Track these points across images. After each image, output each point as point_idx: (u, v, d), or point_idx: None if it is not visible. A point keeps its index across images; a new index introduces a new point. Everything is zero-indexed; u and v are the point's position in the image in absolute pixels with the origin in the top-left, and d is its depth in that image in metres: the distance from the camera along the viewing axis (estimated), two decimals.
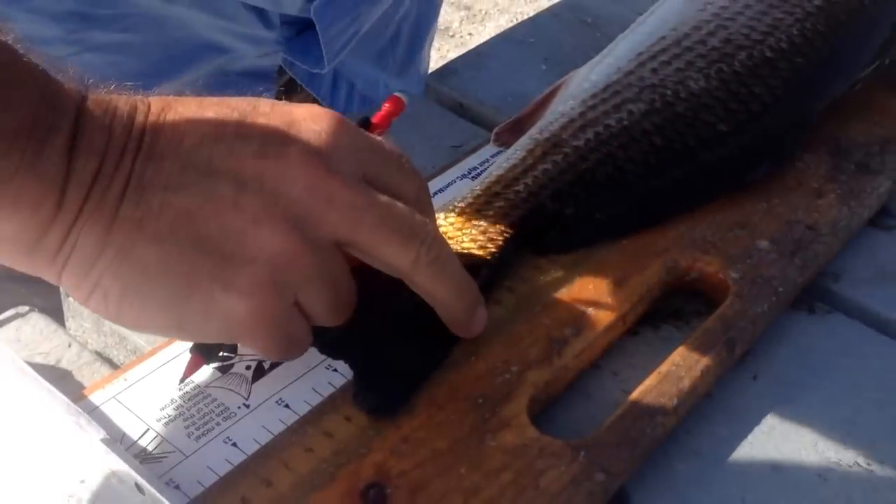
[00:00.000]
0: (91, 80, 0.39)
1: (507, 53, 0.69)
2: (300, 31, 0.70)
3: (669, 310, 0.52)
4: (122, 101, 0.39)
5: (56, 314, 0.53)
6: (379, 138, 0.43)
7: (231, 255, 0.38)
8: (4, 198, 0.36)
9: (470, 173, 0.56)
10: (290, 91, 0.72)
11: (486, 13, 2.65)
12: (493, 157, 0.56)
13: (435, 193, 0.54)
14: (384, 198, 0.41)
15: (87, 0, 0.61)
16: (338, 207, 0.39)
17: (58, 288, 0.46)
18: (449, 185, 0.55)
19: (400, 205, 0.41)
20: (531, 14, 0.78)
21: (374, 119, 0.51)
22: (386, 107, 0.51)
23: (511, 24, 0.76)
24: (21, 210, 0.37)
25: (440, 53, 2.46)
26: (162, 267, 0.38)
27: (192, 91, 0.41)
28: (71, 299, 0.53)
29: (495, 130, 0.58)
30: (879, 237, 0.57)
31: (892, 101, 0.63)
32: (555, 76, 0.61)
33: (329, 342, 0.44)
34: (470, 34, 2.54)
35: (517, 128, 0.56)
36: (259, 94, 0.43)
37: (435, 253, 0.41)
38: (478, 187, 0.51)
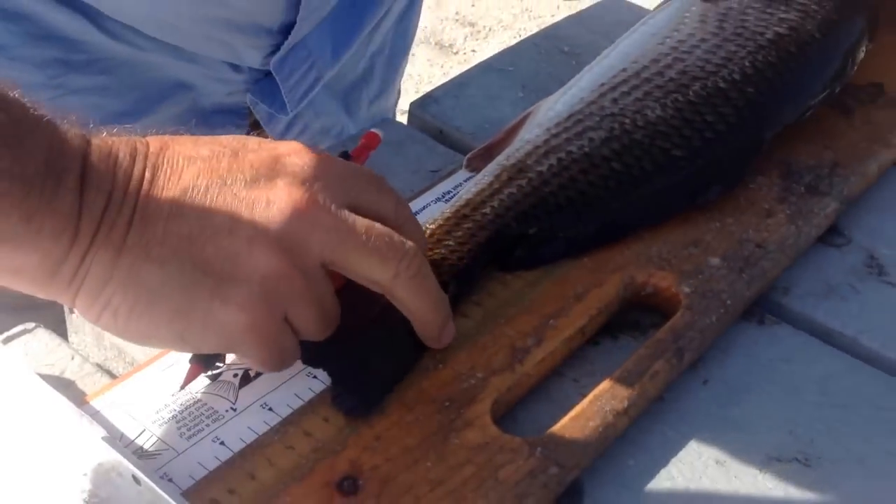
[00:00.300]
0: (92, 125, 0.44)
1: (487, 81, 0.74)
2: (267, 73, 0.75)
3: (628, 322, 0.56)
4: (123, 142, 0.44)
5: (60, 330, 0.57)
6: (359, 166, 0.48)
7: (228, 274, 0.43)
8: (28, 233, 0.41)
9: (444, 196, 0.60)
10: (258, 126, 0.77)
11: (490, 30, 2.70)
12: (465, 181, 0.61)
13: (417, 213, 0.59)
14: (365, 220, 0.45)
15: (66, 48, 0.66)
16: (322, 231, 0.44)
17: (61, 306, 0.51)
18: (424, 208, 0.59)
19: (380, 226, 0.46)
20: (535, 31, 0.82)
21: (353, 153, 0.56)
22: (363, 142, 0.56)
23: (516, 41, 0.81)
24: (43, 242, 0.42)
25: (443, 70, 2.51)
26: (166, 286, 0.43)
27: (175, 127, 0.46)
28: (73, 316, 0.58)
29: (467, 157, 0.62)
30: (828, 254, 0.61)
31: (842, 126, 0.67)
32: (531, 103, 0.65)
33: (312, 354, 0.48)
34: (473, 51, 2.59)
35: (488, 154, 0.61)
36: (231, 129, 0.47)
37: (414, 269, 0.46)
38: (448, 210, 0.55)
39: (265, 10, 0.70)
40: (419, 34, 2.97)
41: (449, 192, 0.60)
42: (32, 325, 0.56)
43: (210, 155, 0.45)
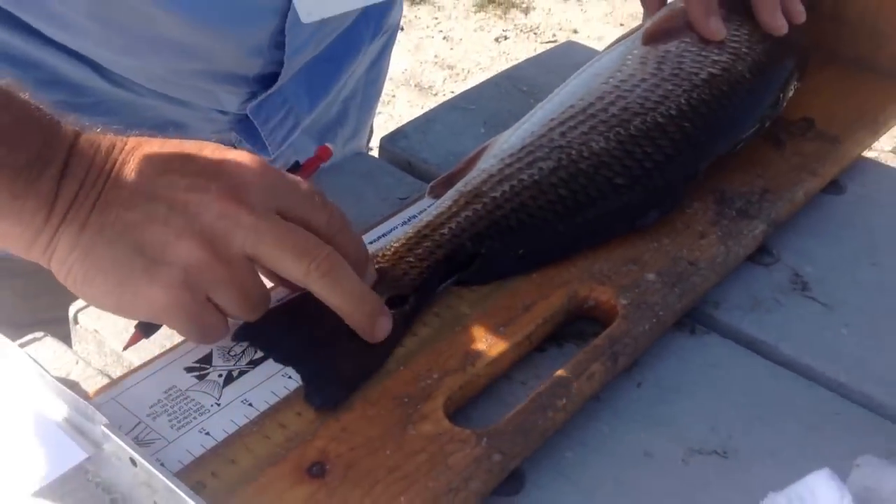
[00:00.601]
0: (87, 124, 0.54)
1: (452, 118, 0.81)
2: (250, 120, 0.83)
3: (573, 332, 0.62)
4: (107, 139, 0.54)
5: (65, 339, 0.64)
6: (296, 178, 0.56)
7: (157, 258, 0.52)
8: (14, 208, 0.51)
9: (409, 220, 0.66)
10: None
11: (468, 72, 2.79)
12: (428, 207, 0.67)
13: (379, 237, 0.65)
14: (284, 223, 0.53)
15: (73, 92, 0.75)
16: (243, 229, 0.52)
17: (67, 322, 0.58)
18: (391, 230, 0.66)
19: (297, 229, 0.54)
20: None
21: (304, 163, 0.63)
22: (316, 154, 0.63)
23: None
24: (25, 216, 0.52)
25: (423, 111, 2.60)
26: (110, 262, 0.52)
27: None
28: (78, 327, 0.64)
29: (430, 184, 0.69)
30: (757, 272, 0.68)
31: (774, 157, 0.74)
32: (491, 138, 0.72)
33: (286, 354, 0.55)
34: (452, 92, 2.67)
35: (449, 182, 0.67)
36: None
37: (325, 268, 0.54)
38: (410, 230, 0.62)
39: (243, 62, 0.78)
40: (400, 76, 3.09)
41: (413, 217, 0.66)
42: (41, 334, 0.62)
43: (169, 156, 0.54)
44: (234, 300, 0.54)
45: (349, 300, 0.56)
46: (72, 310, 0.63)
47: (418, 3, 3.17)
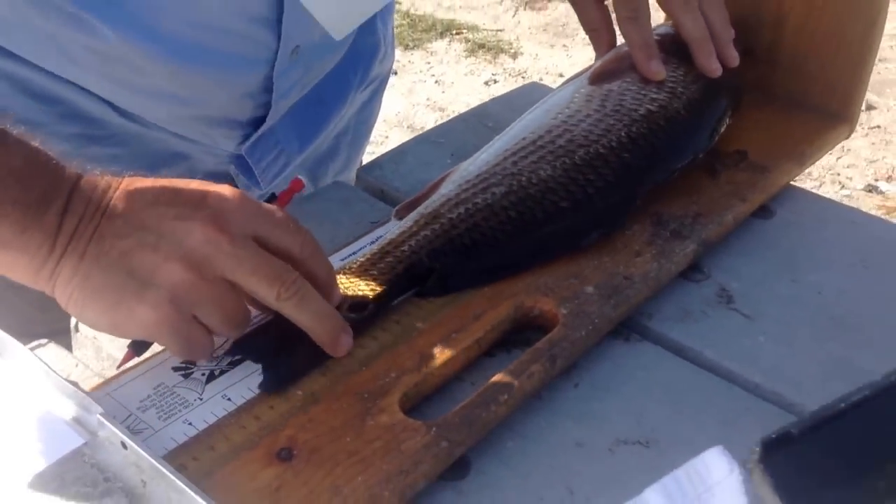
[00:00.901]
0: (89, 167, 0.62)
1: (422, 151, 0.89)
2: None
3: (520, 339, 0.70)
4: (104, 179, 0.61)
5: (67, 345, 0.71)
6: (271, 207, 0.63)
7: (147, 281, 0.59)
8: (22, 240, 0.59)
9: (376, 240, 0.74)
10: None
11: (458, 114, 2.88)
12: (393, 228, 0.75)
13: (349, 255, 0.73)
14: (260, 252, 0.60)
15: (89, 125, 0.83)
16: (223, 254, 0.59)
17: (69, 327, 0.66)
18: (360, 249, 0.74)
19: (270, 258, 0.61)
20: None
21: (279, 194, 0.70)
22: (290, 186, 0.71)
23: None
24: (31, 249, 0.59)
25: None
26: (106, 287, 0.59)
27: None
28: (78, 335, 0.72)
29: (396, 208, 0.76)
30: (688, 287, 0.75)
31: (708, 185, 0.82)
32: None
33: (247, 349, 0.64)
34: None
35: (412, 206, 0.75)
36: None
37: (293, 291, 0.61)
38: (375, 247, 0.70)
39: (235, 106, 0.86)
40: (393, 118, 3.19)
41: (380, 237, 0.74)
42: (45, 340, 0.70)
43: (158, 192, 0.61)
44: (216, 317, 0.61)
45: (315, 320, 0.63)
46: (73, 320, 0.71)
47: (411, 49, 3.27)
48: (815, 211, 0.85)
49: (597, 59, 0.88)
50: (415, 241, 0.70)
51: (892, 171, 2.91)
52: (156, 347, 0.66)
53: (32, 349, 0.68)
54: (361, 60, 1.00)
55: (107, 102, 0.84)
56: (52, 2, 0.74)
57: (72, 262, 0.59)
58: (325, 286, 0.64)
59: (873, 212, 2.71)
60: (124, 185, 0.62)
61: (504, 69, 3.22)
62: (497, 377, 0.63)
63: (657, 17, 0.87)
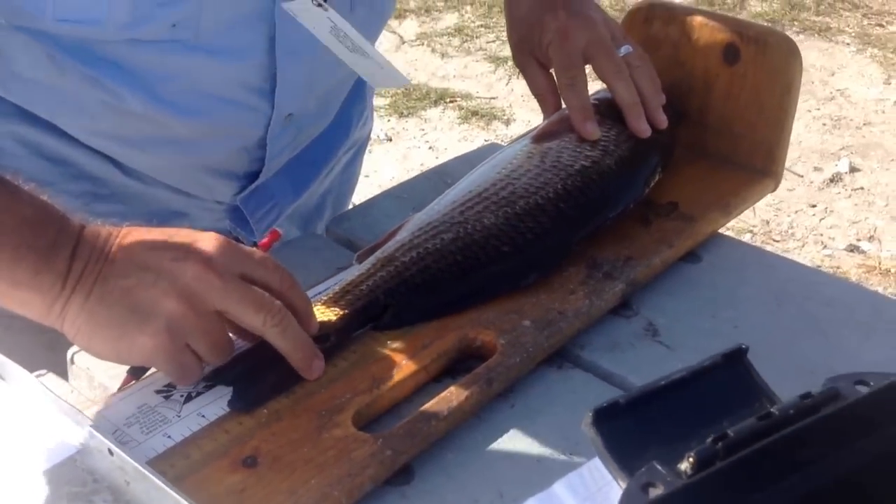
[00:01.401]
0: (89, 219, 0.71)
1: (386, 204, 0.99)
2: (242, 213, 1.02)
3: (465, 367, 0.79)
4: (105, 229, 0.70)
5: (63, 375, 0.80)
6: (253, 249, 0.73)
7: (147, 314, 0.68)
8: (35, 281, 0.67)
9: (339, 282, 0.83)
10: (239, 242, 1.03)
11: (420, 172, 2.98)
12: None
13: (316, 294, 0.82)
14: (246, 285, 0.70)
15: (94, 184, 0.94)
16: (214, 289, 0.69)
17: (65, 359, 0.75)
18: (325, 289, 0.83)
19: (255, 290, 0.70)
20: None
21: (260, 244, 0.80)
22: (268, 237, 0.81)
23: None
24: (43, 289, 0.68)
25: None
26: (111, 320, 0.68)
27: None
28: (73, 366, 0.81)
29: (357, 254, 0.86)
30: (618, 322, 0.84)
31: (640, 233, 0.91)
32: None
33: (220, 374, 0.72)
34: None
35: (372, 251, 0.84)
36: None
37: (276, 320, 0.70)
38: (337, 286, 0.79)
39: (232, 160, 0.97)
40: (388, 183, 3.29)
41: (342, 279, 0.84)
42: (44, 371, 0.79)
43: (153, 238, 0.70)
44: (206, 346, 0.70)
45: (294, 345, 0.72)
46: (69, 353, 0.80)
47: (406, 117, 3.40)
48: (738, 256, 0.94)
49: (543, 120, 0.98)
50: (372, 281, 0.80)
51: (874, 232, 3.00)
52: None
53: (35, 376, 0.77)
54: (348, 125, 1.11)
55: (112, 161, 0.94)
56: (73, 64, 0.85)
57: (79, 301, 0.68)
58: (303, 316, 0.74)
59: (854, 271, 2.81)
60: (123, 233, 0.71)
61: (497, 135, 3.35)
62: (439, 396, 0.72)
63: (597, 85, 0.98)
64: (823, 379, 0.77)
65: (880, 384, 0.56)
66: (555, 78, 0.97)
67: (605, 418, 0.55)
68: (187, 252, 0.69)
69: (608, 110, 0.95)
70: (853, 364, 0.79)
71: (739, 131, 1.00)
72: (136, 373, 0.73)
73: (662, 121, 0.95)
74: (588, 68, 0.95)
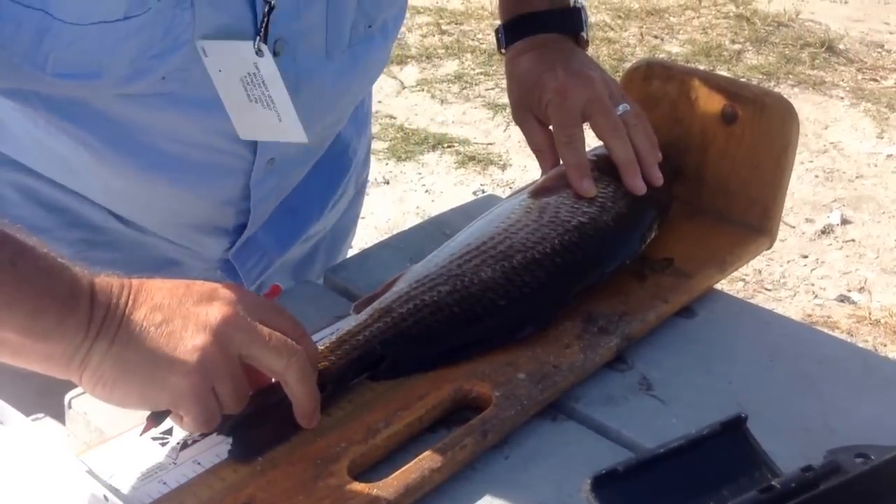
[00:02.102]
0: (94, 271, 0.71)
1: (383, 255, 1.00)
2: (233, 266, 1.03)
3: (460, 418, 0.79)
4: (115, 279, 0.71)
5: (60, 419, 0.81)
6: (268, 300, 0.74)
7: (179, 354, 0.68)
8: (60, 331, 0.67)
9: (336, 331, 0.84)
10: None
11: (417, 223, 3.00)
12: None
13: (316, 342, 0.83)
14: (268, 329, 0.71)
15: (90, 231, 0.95)
16: (240, 332, 0.70)
17: (56, 403, 0.75)
18: (322, 338, 0.84)
19: (278, 334, 0.71)
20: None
21: (264, 295, 0.81)
22: (271, 290, 0.82)
23: None
24: (67, 337, 0.67)
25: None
26: (141, 362, 0.68)
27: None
28: (71, 410, 0.81)
29: (355, 304, 0.87)
30: (613, 376, 0.85)
31: (635, 288, 0.92)
32: None
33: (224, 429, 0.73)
34: None
35: (369, 301, 0.85)
36: None
37: (299, 365, 0.71)
38: (335, 335, 0.80)
39: (219, 215, 0.98)
40: (384, 226, 3.28)
41: (339, 328, 0.84)
42: (42, 415, 0.79)
43: (172, 287, 0.71)
44: (230, 391, 0.70)
45: (307, 391, 0.73)
46: (67, 397, 0.80)
47: (404, 160, 3.42)
48: (734, 312, 0.95)
49: (541, 175, 1.00)
50: (369, 332, 0.80)
51: (865, 283, 3.01)
52: (132, 423, 0.75)
53: (32, 420, 0.78)
54: (333, 175, 1.11)
55: (107, 210, 0.95)
56: (61, 125, 0.86)
57: (102, 347, 0.67)
58: (314, 362, 0.75)
59: (844, 321, 2.82)
60: (137, 282, 0.71)
61: (493, 180, 3.37)
62: (434, 447, 0.73)
63: (596, 142, 0.99)
64: (818, 437, 0.78)
65: (881, 458, 0.57)
66: (553, 135, 0.99)
67: (604, 485, 0.56)
68: (211, 297, 0.71)
69: (606, 167, 0.96)
70: (847, 422, 0.81)
71: (736, 189, 1.01)
72: (157, 417, 0.73)
73: (658, 178, 0.96)
74: (586, 126, 0.97)
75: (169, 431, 0.74)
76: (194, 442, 0.73)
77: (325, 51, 0.90)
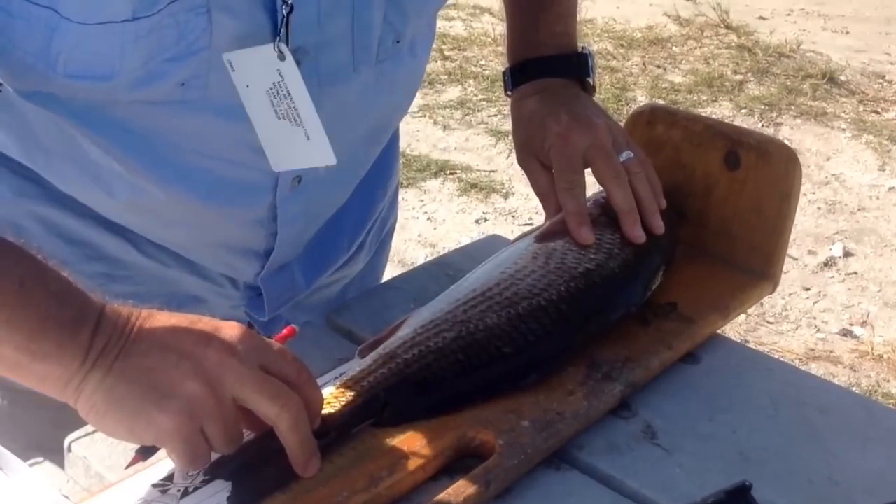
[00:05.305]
0: (108, 298, 0.72)
1: (387, 296, 1.00)
2: (258, 291, 1.02)
3: (463, 465, 0.79)
4: (126, 309, 0.72)
5: (60, 463, 0.80)
6: (272, 341, 0.74)
7: (168, 393, 0.68)
8: (58, 354, 0.68)
9: (340, 376, 0.84)
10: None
11: (447, 249, 3.00)
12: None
13: (321, 385, 0.83)
14: (264, 374, 0.71)
15: (111, 265, 0.95)
16: (234, 374, 0.70)
17: (62, 447, 0.75)
18: (325, 383, 0.84)
19: (273, 380, 0.71)
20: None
21: (276, 338, 0.81)
22: (284, 332, 0.82)
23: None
24: (65, 362, 0.68)
25: None
26: (130, 396, 0.69)
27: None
28: (70, 454, 0.81)
29: (359, 348, 0.87)
30: (617, 423, 0.85)
31: (639, 333, 0.92)
32: None
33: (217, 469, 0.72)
34: None
35: (374, 346, 0.85)
36: None
37: (291, 413, 0.71)
38: (339, 382, 0.80)
39: (248, 234, 0.97)
40: None
41: (344, 373, 0.84)
42: (41, 458, 0.79)
43: (177, 322, 0.72)
44: (219, 433, 0.70)
45: (300, 440, 0.73)
46: (66, 441, 0.80)
47: (406, 187, 3.42)
48: (737, 359, 0.95)
49: (546, 219, 1.00)
50: (373, 378, 0.80)
51: (867, 317, 3.00)
52: (132, 469, 0.75)
53: (31, 465, 0.78)
54: (371, 202, 1.11)
55: (129, 241, 0.95)
56: (84, 131, 0.85)
57: (98, 376, 0.69)
58: (314, 413, 0.75)
59: (847, 356, 2.81)
60: (146, 314, 0.72)
61: (495, 208, 3.37)
62: (437, 497, 0.72)
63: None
64: (821, 490, 0.78)
65: None
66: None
67: None
68: (210, 338, 0.71)
69: (613, 213, 0.96)
70: (850, 474, 0.81)
71: (739, 234, 1.01)
72: (145, 452, 0.73)
73: (659, 227, 0.96)
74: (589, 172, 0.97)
75: (169, 478, 0.73)
76: (195, 489, 0.73)
77: (353, 65, 0.89)
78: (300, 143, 0.84)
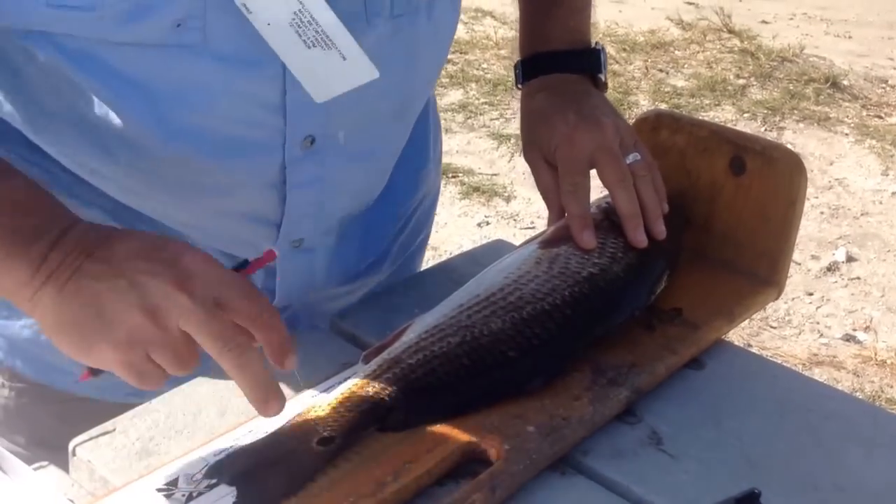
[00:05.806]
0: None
1: (392, 301, 1.00)
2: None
3: (468, 471, 0.79)
4: (92, 226, 0.73)
5: (65, 468, 0.80)
6: (235, 274, 0.74)
7: (110, 321, 0.69)
8: (8, 264, 0.70)
9: (345, 380, 0.84)
10: None
11: (450, 254, 3.00)
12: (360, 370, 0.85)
13: (323, 391, 0.83)
14: (211, 311, 0.70)
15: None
16: (178, 308, 0.69)
17: (66, 443, 0.75)
18: (330, 387, 0.84)
19: (221, 318, 0.70)
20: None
21: (252, 261, 0.79)
22: (263, 256, 0.80)
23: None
24: (14, 272, 0.70)
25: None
26: (75, 322, 0.70)
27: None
28: (74, 458, 0.80)
29: (364, 353, 0.86)
30: (622, 429, 0.85)
31: (644, 339, 0.92)
32: None
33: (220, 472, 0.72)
34: None
35: (379, 351, 0.85)
36: None
37: (234, 353, 0.70)
38: (344, 387, 0.80)
39: (261, 201, 0.92)
40: None
41: (348, 377, 0.84)
42: (46, 463, 0.79)
43: (139, 245, 0.72)
44: (167, 359, 0.71)
45: (251, 382, 0.71)
46: (71, 444, 0.80)
47: None
48: (743, 364, 0.95)
49: (549, 219, 1.00)
50: (378, 383, 0.80)
51: (870, 322, 3.00)
52: (137, 472, 0.75)
53: (35, 469, 0.77)
54: (393, 210, 1.08)
55: (135, 213, 0.92)
56: (92, 86, 0.81)
57: (50, 292, 0.70)
58: (276, 349, 0.73)
59: (850, 361, 2.81)
60: (115, 235, 0.73)
61: (497, 212, 3.37)
62: (442, 503, 0.72)
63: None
64: (828, 497, 0.78)
65: None
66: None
67: None
68: (165, 267, 0.71)
69: (617, 217, 0.96)
70: (856, 481, 0.81)
71: (744, 240, 1.01)
72: (96, 370, 0.75)
73: (661, 232, 0.95)
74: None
75: (174, 483, 0.73)
76: (199, 494, 0.73)
77: (366, 17, 0.85)
78: (337, 66, 0.81)
